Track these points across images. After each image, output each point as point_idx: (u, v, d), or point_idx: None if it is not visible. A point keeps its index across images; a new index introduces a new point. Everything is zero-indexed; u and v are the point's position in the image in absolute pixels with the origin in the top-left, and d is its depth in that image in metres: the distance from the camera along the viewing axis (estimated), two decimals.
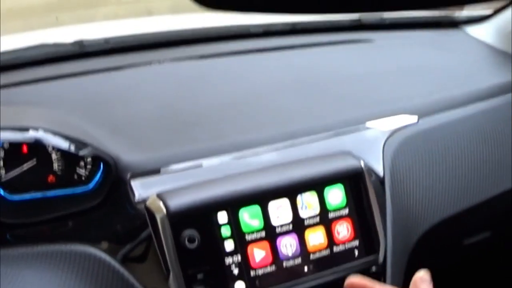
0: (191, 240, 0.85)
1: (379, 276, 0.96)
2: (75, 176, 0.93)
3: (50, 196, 0.93)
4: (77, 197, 0.93)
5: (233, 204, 0.88)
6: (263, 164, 0.95)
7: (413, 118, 1.11)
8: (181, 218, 0.85)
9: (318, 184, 0.92)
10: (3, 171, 0.90)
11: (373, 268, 0.95)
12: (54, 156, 0.92)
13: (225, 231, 0.87)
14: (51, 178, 0.92)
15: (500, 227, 1.23)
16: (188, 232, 0.85)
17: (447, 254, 1.21)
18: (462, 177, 1.09)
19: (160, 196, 0.87)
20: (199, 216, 0.87)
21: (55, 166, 0.92)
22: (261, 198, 0.90)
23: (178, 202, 0.86)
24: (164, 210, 0.85)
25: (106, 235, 0.91)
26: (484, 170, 1.11)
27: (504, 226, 1.23)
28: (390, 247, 0.97)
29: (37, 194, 0.92)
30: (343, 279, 0.91)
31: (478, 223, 1.19)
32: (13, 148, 0.91)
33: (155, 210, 0.87)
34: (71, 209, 0.91)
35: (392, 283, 0.97)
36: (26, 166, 0.91)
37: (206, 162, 0.96)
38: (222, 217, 0.88)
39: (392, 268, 0.97)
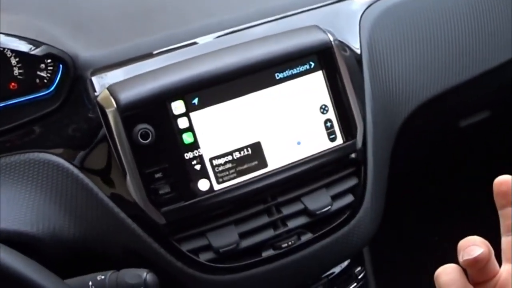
0: (145, 135, 0.78)
1: (359, 164, 0.89)
2: (37, 80, 0.88)
3: (13, 104, 0.88)
4: (39, 102, 0.88)
5: (189, 91, 0.79)
6: (225, 45, 0.86)
7: None
8: (132, 112, 0.78)
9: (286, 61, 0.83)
10: None
11: (353, 155, 0.87)
12: (13, 61, 0.86)
13: (182, 122, 0.79)
14: (13, 85, 0.87)
15: (499, 105, 1.14)
16: (141, 127, 0.78)
17: (442, 138, 1.13)
18: (449, 50, 1.01)
19: (110, 89, 0.80)
20: (152, 108, 0.79)
21: (16, 71, 0.87)
22: (220, 82, 0.81)
23: (128, 94, 0.79)
24: (114, 104, 0.78)
25: (64, 141, 0.86)
26: (475, 42, 1.03)
27: (504, 104, 1.14)
28: (370, 131, 0.89)
29: (0, 104, 0.87)
30: (315, 170, 0.84)
31: (474, 102, 1.11)
32: None
33: (105, 105, 0.79)
34: (32, 115, 0.87)
35: (374, 172, 0.89)
36: None
37: (171, 50, 0.88)
38: (178, 107, 0.79)
39: (374, 154, 0.90)
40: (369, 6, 0.97)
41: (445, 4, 1.02)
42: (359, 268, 0.99)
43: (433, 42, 0.99)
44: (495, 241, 0.52)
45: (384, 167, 0.93)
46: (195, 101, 0.80)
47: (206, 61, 0.82)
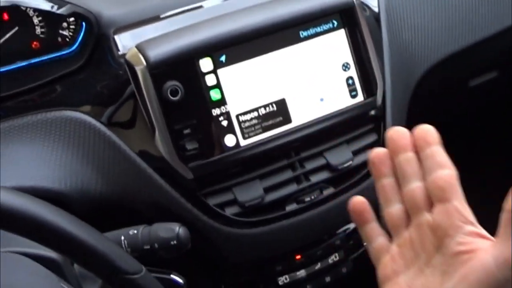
0: (174, 92, 0.79)
1: (378, 120, 0.91)
2: (59, 39, 0.89)
3: (35, 64, 0.89)
4: (62, 60, 0.89)
5: (217, 48, 0.81)
6: (251, 4, 0.87)
7: None
8: (162, 69, 0.79)
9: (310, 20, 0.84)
10: None
11: (372, 112, 0.89)
12: (35, 20, 0.87)
13: (210, 79, 0.81)
14: (35, 44, 0.89)
15: (507, 66, 1.16)
16: (171, 83, 0.79)
17: (452, 98, 1.15)
18: (464, 10, 1.02)
19: (139, 47, 0.81)
20: (181, 65, 0.80)
21: (38, 30, 0.88)
22: (247, 40, 0.82)
23: (158, 51, 0.79)
24: (144, 62, 0.79)
25: (90, 99, 0.87)
26: (489, 3, 1.03)
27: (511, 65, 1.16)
28: (389, 88, 0.91)
29: (22, 63, 0.89)
30: (337, 126, 0.86)
31: (483, 62, 1.13)
32: None
33: (134, 63, 0.80)
34: (56, 73, 0.87)
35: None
36: (8, 34, 0.88)
37: (197, 7, 0.89)
38: (206, 64, 0.81)
39: (392, 112, 0.92)
40: None
41: None
42: None
43: (449, 1, 1.01)
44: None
45: (401, 123, 0.95)
46: (223, 58, 0.81)
47: (233, 19, 0.83)
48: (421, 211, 0.56)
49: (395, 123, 0.92)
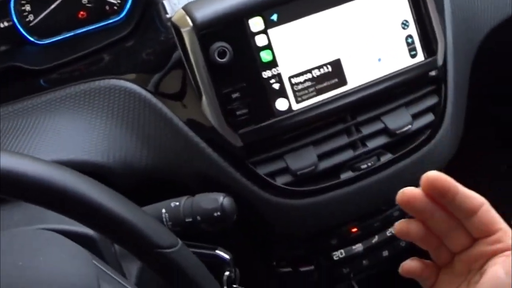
0: (222, 53, 0.76)
1: (439, 82, 0.86)
2: (107, 7, 0.87)
3: (82, 33, 0.88)
4: (108, 29, 0.88)
5: (268, 6, 0.76)
6: None
7: None
8: (209, 30, 0.75)
9: None
10: (31, 16, 0.86)
11: (433, 73, 0.84)
12: None
13: (260, 40, 0.77)
14: (81, 13, 0.87)
15: None
16: (218, 45, 0.75)
17: None
18: None
19: (186, 9, 0.77)
20: (230, 25, 0.76)
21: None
22: None
23: (205, 12, 0.76)
24: (190, 23, 0.75)
25: (137, 66, 0.85)
26: None
27: None
28: (450, 48, 0.86)
29: (69, 33, 0.88)
30: (395, 88, 0.81)
31: None
32: None
33: (181, 25, 0.77)
34: (102, 42, 0.86)
35: (455, 90, 0.86)
36: (54, 5, 0.87)
37: None
38: (256, 24, 0.77)
39: (454, 73, 0.86)
40: None
41: None
42: None
43: None
44: None
45: (464, 86, 0.90)
46: (274, 17, 0.77)
47: None
48: (465, 249, 0.58)
49: (457, 84, 0.87)
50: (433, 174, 0.55)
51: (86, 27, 0.88)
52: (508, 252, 0.55)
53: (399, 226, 0.60)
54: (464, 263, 0.58)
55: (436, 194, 0.56)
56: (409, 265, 0.62)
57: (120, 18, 0.87)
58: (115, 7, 0.87)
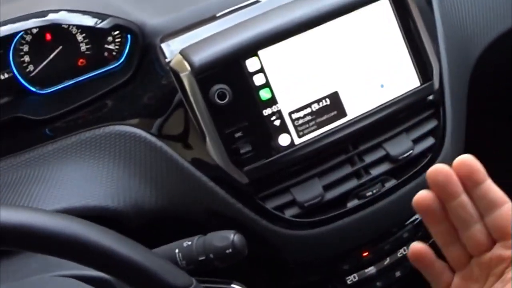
0: (222, 95, 0.77)
1: (437, 105, 0.87)
2: (105, 54, 0.88)
3: (83, 81, 0.89)
4: (109, 75, 0.88)
5: (263, 46, 0.78)
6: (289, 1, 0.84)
7: None
8: (207, 73, 0.77)
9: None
10: (31, 66, 0.86)
11: (430, 97, 0.85)
12: (79, 37, 0.87)
13: (258, 79, 0.78)
14: (81, 61, 0.88)
15: None
16: (217, 87, 0.77)
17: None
18: None
19: (183, 53, 0.79)
20: (227, 68, 0.78)
21: (83, 47, 0.87)
22: (294, 34, 0.79)
23: (202, 55, 0.77)
24: (188, 67, 0.77)
25: (139, 111, 0.85)
26: None
27: None
28: (446, 70, 0.87)
29: (70, 82, 0.88)
30: (394, 115, 0.82)
31: None
32: (37, 39, 0.86)
33: (179, 69, 0.78)
34: (103, 89, 0.86)
35: (453, 112, 0.87)
36: (53, 54, 0.87)
37: (235, 10, 0.86)
38: (253, 64, 0.78)
39: (452, 95, 0.88)
40: None
41: None
42: None
43: None
44: None
45: (462, 107, 0.91)
46: (268, 56, 0.78)
47: (276, 16, 0.80)
48: (483, 251, 0.56)
49: (455, 105, 0.88)
50: (467, 155, 0.56)
51: (87, 74, 0.88)
52: None
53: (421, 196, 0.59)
54: (482, 267, 0.56)
55: (466, 172, 0.55)
56: (417, 247, 0.61)
57: (119, 64, 0.88)
58: (114, 53, 0.88)
